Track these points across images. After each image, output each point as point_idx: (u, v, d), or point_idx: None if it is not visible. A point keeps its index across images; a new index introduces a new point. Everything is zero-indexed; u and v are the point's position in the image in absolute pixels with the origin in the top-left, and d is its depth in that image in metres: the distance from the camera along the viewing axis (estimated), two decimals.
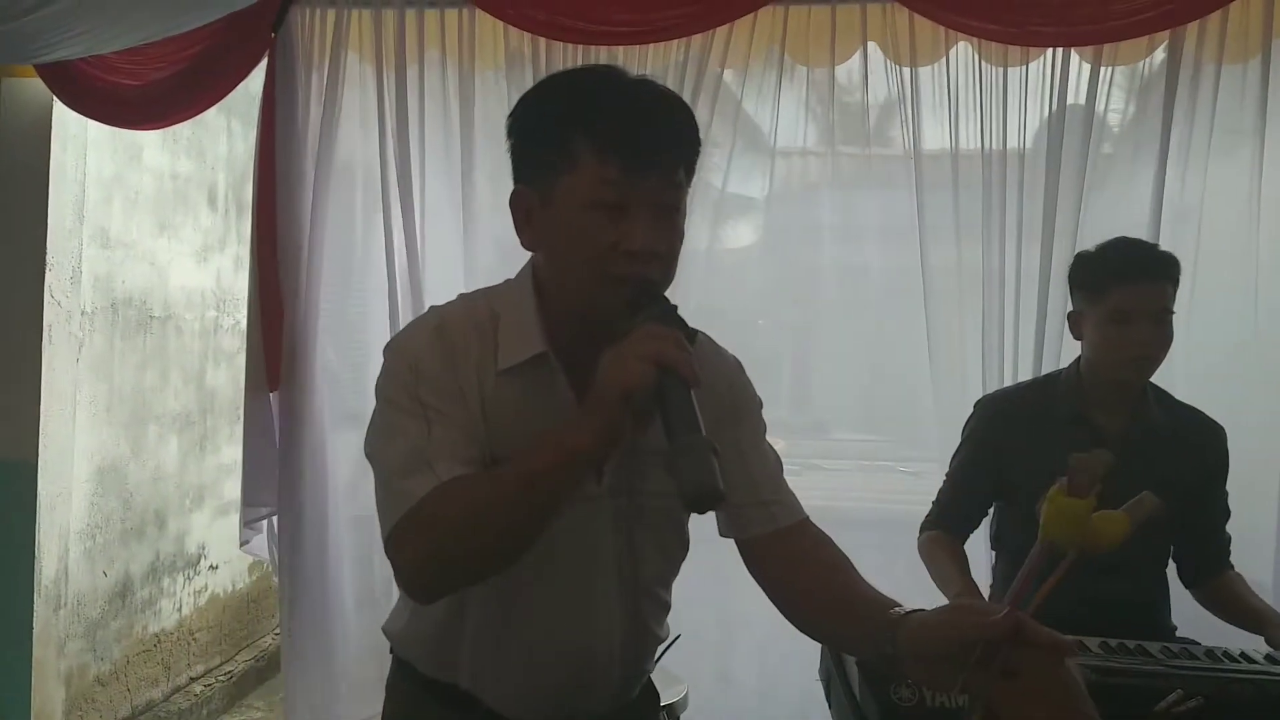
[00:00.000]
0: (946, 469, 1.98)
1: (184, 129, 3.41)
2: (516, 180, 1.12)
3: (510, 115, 1.13)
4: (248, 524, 2.76)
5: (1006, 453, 1.85)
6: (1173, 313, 1.78)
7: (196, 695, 3.62)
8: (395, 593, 1.24)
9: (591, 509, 1.12)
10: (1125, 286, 1.75)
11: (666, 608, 1.26)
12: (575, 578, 1.14)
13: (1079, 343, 1.87)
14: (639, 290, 1.03)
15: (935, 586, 1.80)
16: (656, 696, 1.36)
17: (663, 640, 1.28)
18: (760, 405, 1.27)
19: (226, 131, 3.79)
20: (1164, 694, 1.24)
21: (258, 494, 2.73)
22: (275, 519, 2.76)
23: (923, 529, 1.92)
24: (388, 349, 1.15)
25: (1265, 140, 2.40)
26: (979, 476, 1.90)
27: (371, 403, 1.14)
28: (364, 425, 1.15)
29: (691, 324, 1.03)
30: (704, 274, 2.63)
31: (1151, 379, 1.83)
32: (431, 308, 1.19)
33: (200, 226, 3.69)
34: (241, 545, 2.81)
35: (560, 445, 0.97)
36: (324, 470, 2.71)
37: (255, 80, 2.78)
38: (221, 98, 2.77)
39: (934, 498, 1.96)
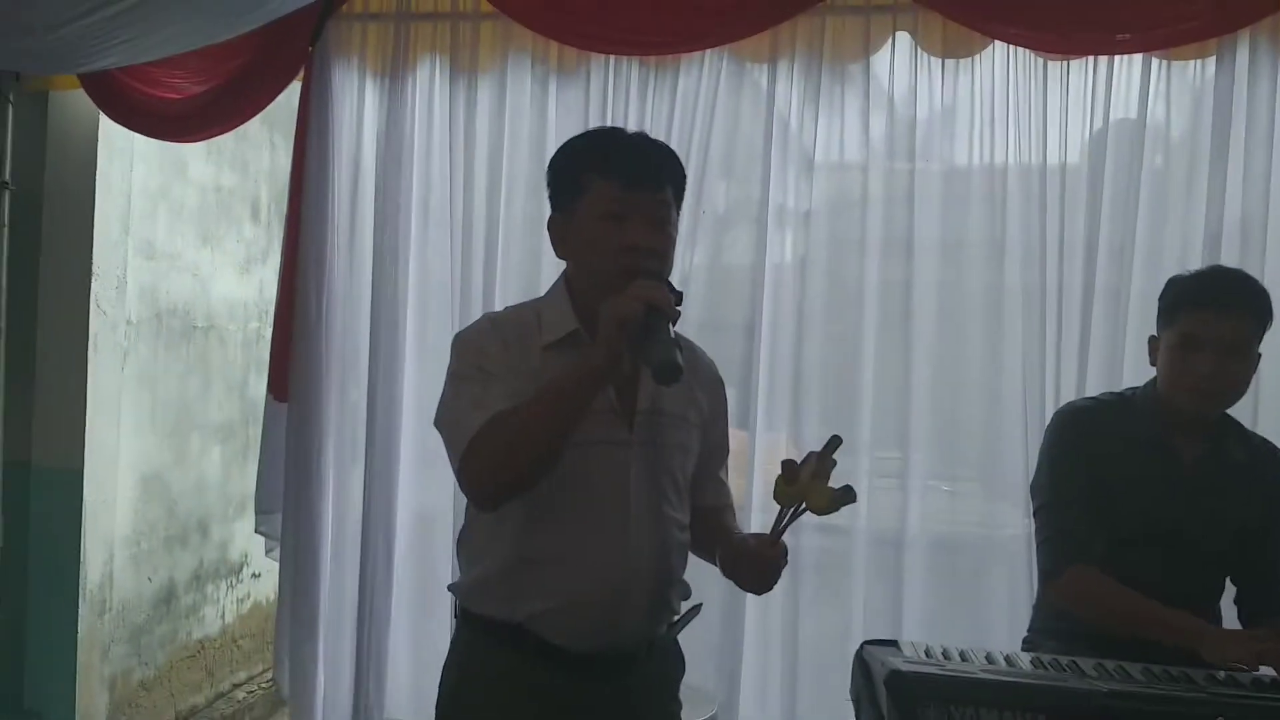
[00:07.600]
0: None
1: (227, 142, 3.47)
2: (552, 210, 1.50)
3: (547, 167, 1.51)
4: (258, 531, 2.82)
5: (1095, 464, 1.76)
6: (1254, 350, 1.70)
7: (239, 701, 3.69)
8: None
9: (625, 453, 1.44)
10: (1195, 312, 1.69)
11: (684, 548, 1.52)
12: (613, 511, 1.43)
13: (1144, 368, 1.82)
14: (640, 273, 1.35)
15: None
16: (682, 662, 1.60)
17: (683, 581, 1.52)
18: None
19: (269, 145, 3.85)
20: None
21: (265, 501, 2.77)
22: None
23: (1058, 567, 1.75)
24: (455, 340, 1.49)
25: None
26: (1088, 488, 1.75)
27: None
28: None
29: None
30: (746, 289, 2.56)
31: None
32: (485, 313, 1.56)
33: (243, 238, 3.76)
34: (267, 553, 2.85)
35: (579, 368, 1.33)
36: (323, 485, 2.70)
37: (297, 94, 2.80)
38: (258, 111, 2.80)
39: (1036, 532, 1.82)
